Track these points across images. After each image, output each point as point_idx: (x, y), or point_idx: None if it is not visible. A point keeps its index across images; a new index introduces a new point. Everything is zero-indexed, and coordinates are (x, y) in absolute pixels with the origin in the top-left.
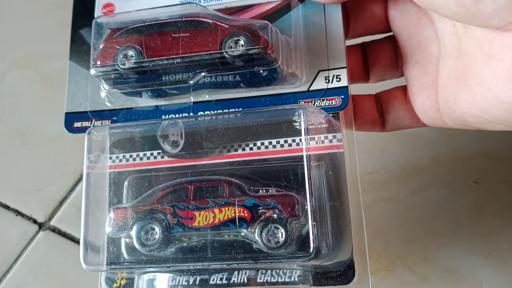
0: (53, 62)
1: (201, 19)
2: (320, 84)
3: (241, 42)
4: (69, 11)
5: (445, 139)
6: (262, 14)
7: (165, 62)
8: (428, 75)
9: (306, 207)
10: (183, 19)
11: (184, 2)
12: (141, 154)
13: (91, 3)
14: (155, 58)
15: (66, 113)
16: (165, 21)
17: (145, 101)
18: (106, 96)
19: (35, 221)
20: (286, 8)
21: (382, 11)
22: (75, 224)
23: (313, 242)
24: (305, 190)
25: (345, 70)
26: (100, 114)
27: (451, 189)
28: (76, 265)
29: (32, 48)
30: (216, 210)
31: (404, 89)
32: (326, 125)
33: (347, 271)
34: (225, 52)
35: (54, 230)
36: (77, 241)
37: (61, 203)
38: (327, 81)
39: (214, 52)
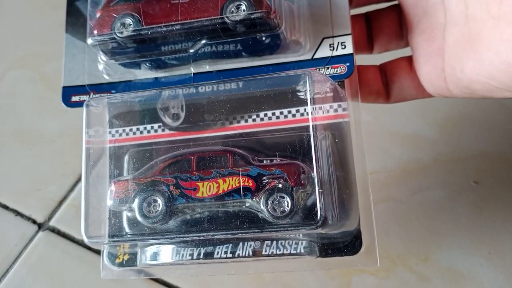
0: (52, 62)
1: None
2: (324, 51)
3: (243, 7)
4: None
5: (446, 139)
6: None
7: (164, 29)
8: (434, 43)
9: (312, 175)
10: None
11: None
12: (141, 127)
13: None
14: (154, 26)
15: (64, 87)
16: None
17: (144, 73)
18: (104, 68)
19: (34, 221)
20: None
21: None
22: (75, 224)
23: (320, 209)
24: (311, 159)
25: (350, 37)
26: (99, 88)
27: (452, 189)
28: (76, 266)
29: (32, 48)
30: (220, 180)
31: (409, 59)
32: (332, 94)
33: (354, 242)
34: (226, 17)
35: (54, 230)
36: (76, 242)
37: (60, 203)
38: (331, 48)
39: (214, 17)
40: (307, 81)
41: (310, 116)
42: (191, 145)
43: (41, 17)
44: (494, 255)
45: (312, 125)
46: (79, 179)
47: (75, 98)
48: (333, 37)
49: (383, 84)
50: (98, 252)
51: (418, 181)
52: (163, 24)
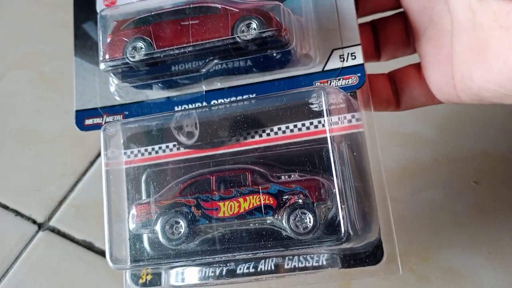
0: (53, 62)
1: (210, 4)
2: (335, 63)
3: (253, 26)
4: (69, 11)
5: (446, 139)
6: None
7: (176, 51)
8: (442, 50)
9: (332, 190)
10: (191, 5)
11: None
12: (156, 147)
13: None
14: (166, 48)
15: (76, 111)
16: (173, 9)
17: (156, 93)
18: (116, 90)
19: (34, 221)
20: None
21: None
22: (75, 224)
23: (344, 225)
24: (329, 172)
25: (359, 47)
26: (111, 110)
27: (452, 189)
28: (76, 266)
29: (32, 48)
30: (241, 199)
31: (418, 66)
32: (345, 105)
33: (375, 252)
34: (238, 37)
35: (54, 230)
36: (76, 242)
37: (60, 203)
38: (342, 59)
39: (226, 37)
40: (323, 96)
41: (327, 128)
42: (209, 162)
43: (41, 17)
44: (494, 255)
45: (330, 137)
46: (79, 179)
47: (88, 122)
48: (342, 48)
49: (393, 92)
50: (98, 252)
51: (418, 181)
52: (175, 47)
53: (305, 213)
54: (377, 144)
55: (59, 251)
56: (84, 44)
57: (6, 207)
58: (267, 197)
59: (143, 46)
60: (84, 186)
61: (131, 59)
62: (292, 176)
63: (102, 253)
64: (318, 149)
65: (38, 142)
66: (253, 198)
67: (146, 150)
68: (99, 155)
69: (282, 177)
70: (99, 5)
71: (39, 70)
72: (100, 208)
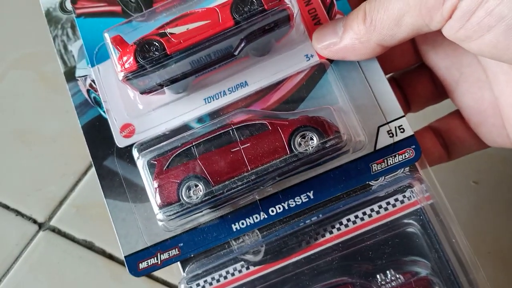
0: (53, 62)
1: (255, 122)
2: (385, 140)
3: (311, 136)
4: None
5: None
6: (297, 86)
7: (239, 183)
8: (485, 102)
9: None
10: (233, 127)
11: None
12: (223, 272)
13: (105, 129)
14: (227, 182)
15: (126, 257)
16: (215, 134)
17: (207, 216)
18: (163, 225)
19: (35, 221)
20: (319, 73)
21: (410, 47)
22: (75, 224)
23: None
24: (422, 256)
25: (404, 119)
26: (163, 246)
27: (451, 189)
28: (76, 265)
29: (32, 48)
30: None
31: (461, 115)
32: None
33: None
34: (299, 153)
35: (54, 230)
36: (77, 241)
37: (61, 203)
38: (391, 135)
39: (287, 156)
40: (411, 191)
41: (420, 202)
42: (288, 277)
43: (41, 17)
44: (494, 255)
45: (419, 211)
46: (79, 179)
47: (143, 265)
48: (388, 123)
49: (443, 147)
50: (98, 251)
51: None
52: (236, 179)
53: None
54: (449, 211)
55: (60, 250)
56: (112, 183)
57: (6, 207)
58: None
59: (198, 184)
60: (84, 186)
61: (188, 201)
62: (388, 273)
63: (102, 253)
64: (397, 234)
65: (38, 142)
66: None
67: (213, 278)
68: None
69: (378, 276)
70: (117, 137)
71: (39, 70)
72: (100, 208)
